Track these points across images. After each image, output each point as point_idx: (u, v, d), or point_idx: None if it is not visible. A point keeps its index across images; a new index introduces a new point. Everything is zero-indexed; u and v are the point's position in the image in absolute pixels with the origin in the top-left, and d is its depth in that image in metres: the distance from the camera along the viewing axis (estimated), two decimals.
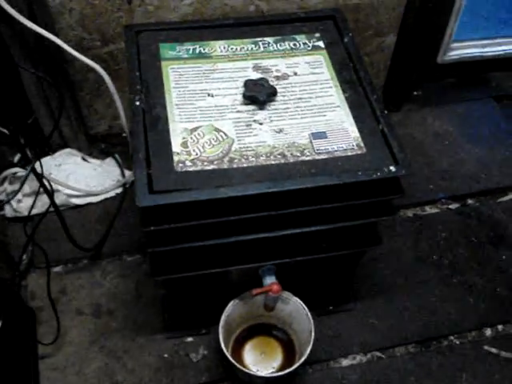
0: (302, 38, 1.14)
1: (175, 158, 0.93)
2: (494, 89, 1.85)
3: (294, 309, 1.20)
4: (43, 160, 1.31)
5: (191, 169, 0.92)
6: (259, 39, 1.13)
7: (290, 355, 1.25)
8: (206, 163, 0.93)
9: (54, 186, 1.34)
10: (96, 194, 1.51)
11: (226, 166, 0.93)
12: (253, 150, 0.95)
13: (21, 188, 1.18)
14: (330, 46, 1.13)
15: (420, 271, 1.42)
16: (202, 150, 0.94)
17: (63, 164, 1.52)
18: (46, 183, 1.16)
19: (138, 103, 1.00)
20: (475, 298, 1.38)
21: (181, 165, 0.92)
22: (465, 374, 1.26)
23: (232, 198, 0.90)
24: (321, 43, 1.14)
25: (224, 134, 0.97)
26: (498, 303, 1.38)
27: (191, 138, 0.96)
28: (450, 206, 1.57)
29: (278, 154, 0.95)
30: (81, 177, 1.52)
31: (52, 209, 1.22)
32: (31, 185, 1.43)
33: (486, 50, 1.77)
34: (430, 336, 1.32)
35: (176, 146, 0.94)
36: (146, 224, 0.92)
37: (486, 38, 1.77)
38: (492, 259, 1.46)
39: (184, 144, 0.95)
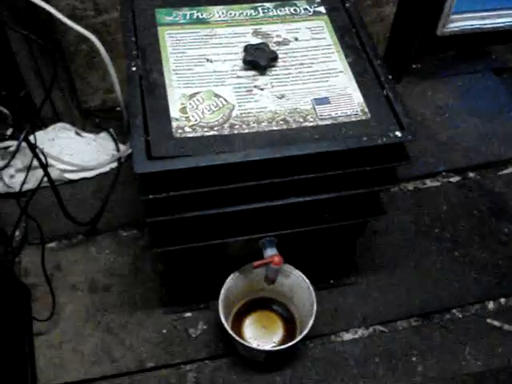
0: (302, 4, 1.11)
1: (174, 124, 0.89)
2: (495, 61, 1.83)
3: (295, 282, 1.18)
4: (36, 134, 1.27)
5: (190, 135, 0.89)
6: (258, 4, 1.10)
7: (290, 329, 1.23)
8: (205, 129, 0.89)
9: (48, 161, 1.31)
10: (90, 169, 1.47)
11: (226, 132, 0.90)
12: (254, 115, 0.92)
13: (13, 157, 1.15)
14: (332, 11, 1.10)
15: (421, 245, 1.40)
16: (201, 116, 0.91)
17: (56, 138, 1.48)
18: (40, 155, 1.13)
19: (134, 69, 0.96)
20: (477, 271, 1.36)
21: (180, 131, 0.89)
22: (468, 347, 1.25)
23: (233, 164, 0.87)
24: (322, 9, 1.10)
25: (224, 99, 0.94)
26: (500, 276, 1.36)
27: (190, 103, 0.92)
28: (450, 179, 1.54)
29: (281, 120, 0.92)
30: (74, 151, 1.48)
31: (45, 183, 1.19)
32: (23, 160, 1.39)
33: (485, 22, 1.74)
34: (432, 309, 1.30)
35: (174, 112, 0.91)
36: (144, 192, 0.89)
37: (486, 10, 1.74)
38: (493, 232, 1.44)
39: (183, 110, 0.91)
